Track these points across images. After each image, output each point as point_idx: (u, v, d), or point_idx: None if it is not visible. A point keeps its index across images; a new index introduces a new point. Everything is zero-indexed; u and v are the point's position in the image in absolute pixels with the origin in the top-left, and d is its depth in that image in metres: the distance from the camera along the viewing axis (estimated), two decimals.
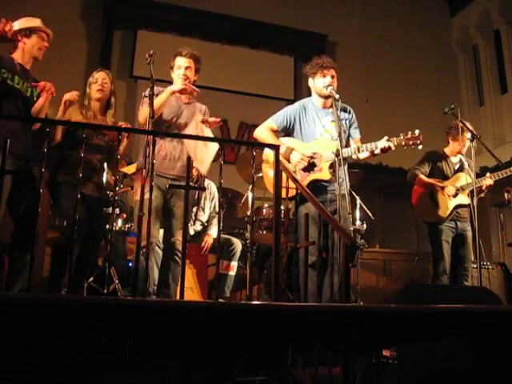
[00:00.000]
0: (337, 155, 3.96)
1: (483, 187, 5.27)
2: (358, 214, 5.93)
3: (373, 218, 6.18)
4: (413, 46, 9.95)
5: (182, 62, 4.35)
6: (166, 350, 2.32)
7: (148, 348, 2.28)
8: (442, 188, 5.39)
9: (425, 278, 6.45)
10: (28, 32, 4.14)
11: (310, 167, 4.28)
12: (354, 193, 5.74)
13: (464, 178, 5.41)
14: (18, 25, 4.15)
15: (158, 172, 4.02)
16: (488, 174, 5.33)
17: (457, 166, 5.57)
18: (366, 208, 6.11)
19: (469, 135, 5.26)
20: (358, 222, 5.78)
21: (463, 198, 5.36)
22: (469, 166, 5.49)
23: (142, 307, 2.30)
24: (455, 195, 5.34)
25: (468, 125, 5.17)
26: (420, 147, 4.21)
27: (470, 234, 5.40)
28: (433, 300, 3.03)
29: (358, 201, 6.00)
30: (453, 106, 5.10)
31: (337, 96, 4.18)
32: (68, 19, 8.03)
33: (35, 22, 4.22)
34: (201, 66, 4.47)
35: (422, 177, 5.49)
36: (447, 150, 5.64)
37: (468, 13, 10.20)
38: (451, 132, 5.55)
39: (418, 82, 9.50)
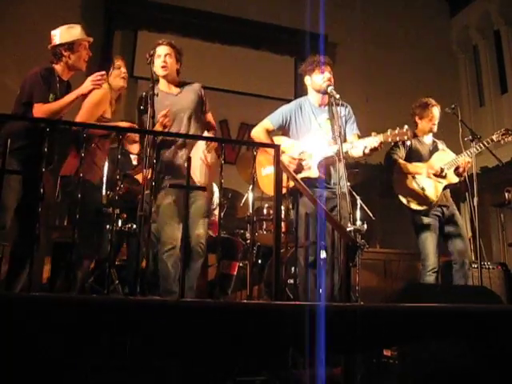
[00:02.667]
0: (337, 155, 3.98)
1: (461, 167, 5.01)
2: (358, 214, 5.93)
3: (373, 218, 6.18)
4: (413, 46, 9.95)
5: (161, 51, 4.23)
6: (166, 350, 2.32)
7: (148, 348, 2.28)
8: (425, 170, 5.10)
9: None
10: (71, 46, 4.02)
11: (300, 169, 4.32)
12: (354, 193, 5.74)
13: (445, 157, 5.14)
14: (58, 37, 4.03)
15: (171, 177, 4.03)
16: (464, 153, 5.03)
17: (431, 147, 5.28)
18: (366, 208, 6.11)
19: (435, 110, 5.22)
20: (358, 222, 5.78)
21: (452, 177, 5.07)
22: (444, 145, 5.29)
23: (142, 306, 2.30)
24: (442, 175, 5.04)
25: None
26: (408, 143, 4.22)
27: (459, 217, 5.11)
28: (433, 299, 3.03)
29: (359, 201, 6.00)
30: (453, 106, 5.09)
31: (337, 96, 4.21)
32: (68, 20, 7.96)
33: (76, 32, 4.09)
34: (182, 58, 4.35)
35: (402, 162, 5.19)
36: (418, 131, 5.34)
37: (468, 13, 10.21)
38: (416, 111, 5.34)
39: (418, 82, 9.49)
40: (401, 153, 5.19)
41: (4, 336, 2.09)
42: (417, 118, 5.33)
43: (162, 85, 4.32)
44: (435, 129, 5.27)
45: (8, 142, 2.92)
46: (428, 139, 5.31)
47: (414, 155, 5.21)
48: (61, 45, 4.02)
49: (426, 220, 5.05)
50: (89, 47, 4.17)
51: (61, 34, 4.05)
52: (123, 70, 4.33)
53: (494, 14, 9.65)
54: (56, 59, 4.04)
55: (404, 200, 5.16)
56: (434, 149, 5.25)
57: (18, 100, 3.94)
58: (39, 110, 3.80)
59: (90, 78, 3.93)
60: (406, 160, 5.20)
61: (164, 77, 4.28)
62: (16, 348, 2.11)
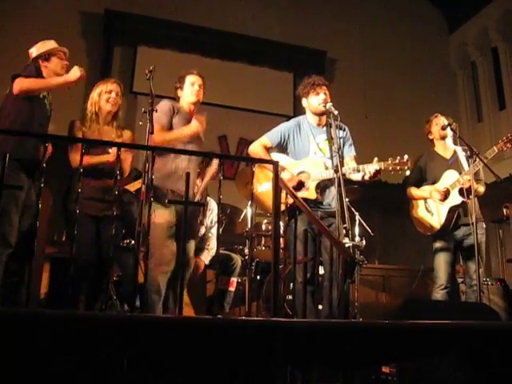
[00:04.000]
0: (336, 171, 3.98)
1: (465, 187, 4.77)
2: (357, 229, 5.93)
3: (372, 233, 6.17)
4: (412, 63, 10.01)
5: (195, 79, 4.41)
6: (164, 366, 2.31)
7: (146, 363, 2.27)
8: (428, 195, 5.03)
9: (424, 294, 6.42)
10: (47, 56, 4.20)
11: (299, 187, 4.31)
12: (353, 209, 5.74)
13: (452, 176, 4.99)
14: (35, 51, 4.21)
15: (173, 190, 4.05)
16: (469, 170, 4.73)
17: (450, 162, 5.10)
18: (365, 224, 6.11)
19: (439, 119, 5.14)
20: (357, 238, 5.78)
21: (454, 198, 4.92)
22: (468, 156, 4.82)
23: (140, 323, 2.29)
24: (444, 198, 4.93)
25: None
26: (407, 172, 4.25)
27: (479, 237, 4.61)
28: (432, 316, 3.02)
29: (357, 217, 6.00)
30: (451, 122, 5.07)
31: (336, 112, 4.21)
32: (68, 35, 8.05)
33: (50, 44, 4.27)
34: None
35: (409, 188, 5.18)
36: (437, 148, 5.24)
37: (466, 30, 10.28)
38: (425, 129, 5.29)
39: (416, 98, 9.55)
40: (414, 178, 5.16)
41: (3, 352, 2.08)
42: (429, 135, 5.29)
43: (186, 106, 4.43)
44: (445, 133, 5.14)
45: (7, 156, 2.92)
46: (448, 152, 5.20)
47: (428, 175, 5.18)
48: (38, 56, 4.19)
49: (437, 244, 5.02)
50: (65, 57, 4.31)
51: (37, 48, 4.24)
52: (113, 95, 4.37)
53: (491, 30, 9.72)
54: (37, 72, 4.12)
55: (421, 228, 5.17)
56: (454, 162, 5.08)
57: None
58: (22, 81, 3.88)
59: (77, 68, 4.05)
60: (420, 181, 5.19)
61: (193, 103, 4.42)
62: (13, 364, 2.10)
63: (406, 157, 4.14)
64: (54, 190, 4.46)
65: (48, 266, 5.08)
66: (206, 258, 5.46)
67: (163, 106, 4.22)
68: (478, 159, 4.76)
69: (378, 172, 4.13)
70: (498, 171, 5.12)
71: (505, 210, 5.87)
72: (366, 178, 4.18)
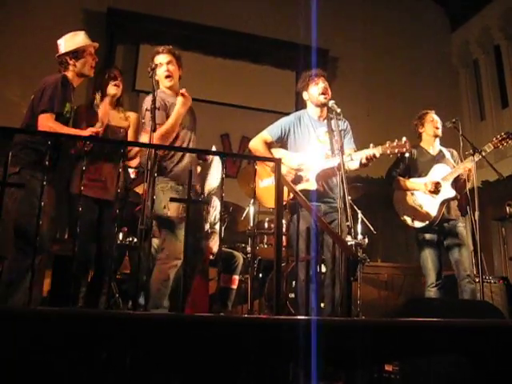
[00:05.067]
0: (338, 169, 3.97)
1: (464, 173, 4.90)
2: (359, 228, 5.93)
3: (375, 232, 6.16)
4: (414, 61, 9.99)
5: (161, 59, 4.16)
6: (166, 363, 2.30)
7: (148, 361, 2.27)
8: (423, 186, 5.00)
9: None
10: (76, 54, 4.05)
11: (298, 180, 4.30)
12: (355, 207, 5.73)
13: (443, 169, 5.03)
14: (63, 45, 4.07)
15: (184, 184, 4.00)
16: (468, 158, 4.89)
17: (437, 157, 5.16)
18: (367, 222, 6.10)
19: (434, 115, 5.19)
20: (359, 236, 5.77)
21: (448, 191, 4.94)
22: (452, 156, 5.17)
23: (142, 320, 2.29)
24: (438, 190, 4.92)
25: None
26: (407, 155, 4.23)
27: (461, 229, 4.97)
28: (434, 315, 3.02)
29: (360, 215, 5.99)
30: (454, 120, 5.06)
31: (338, 110, 4.21)
32: None
33: (79, 39, 4.13)
34: (182, 62, 4.31)
35: (401, 179, 5.13)
36: (423, 143, 5.26)
37: (468, 28, 10.26)
38: (416, 122, 5.29)
39: (419, 96, 9.52)
40: (400, 169, 5.15)
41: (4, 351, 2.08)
42: (419, 128, 5.27)
43: (170, 94, 4.24)
44: (439, 132, 5.18)
45: (10, 154, 2.92)
46: (434, 149, 5.22)
47: (414, 169, 5.15)
48: (66, 53, 4.05)
49: (426, 236, 5.00)
50: (95, 52, 4.19)
51: (65, 43, 4.08)
52: (118, 79, 4.34)
53: (494, 28, 9.70)
54: (63, 68, 4.05)
55: (407, 219, 5.10)
56: (440, 159, 5.15)
57: (33, 107, 3.87)
58: (47, 122, 3.74)
59: (90, 129, 3.87)
60: (406, 174, 5.16)
61: (170, 87, 4.22)
62: (15, 363, 2.10)
63: (404, 138, 4.12)
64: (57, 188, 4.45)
65: (51, 263, 5.09)
66: (215, 246, 5.37)
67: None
68: (475, 157, 4.79)
69: (374, 156, 4.11)
70: (500, 169, 5.13)
71: (508, 208, 5.87)
72: (364, 161, 4.15)
